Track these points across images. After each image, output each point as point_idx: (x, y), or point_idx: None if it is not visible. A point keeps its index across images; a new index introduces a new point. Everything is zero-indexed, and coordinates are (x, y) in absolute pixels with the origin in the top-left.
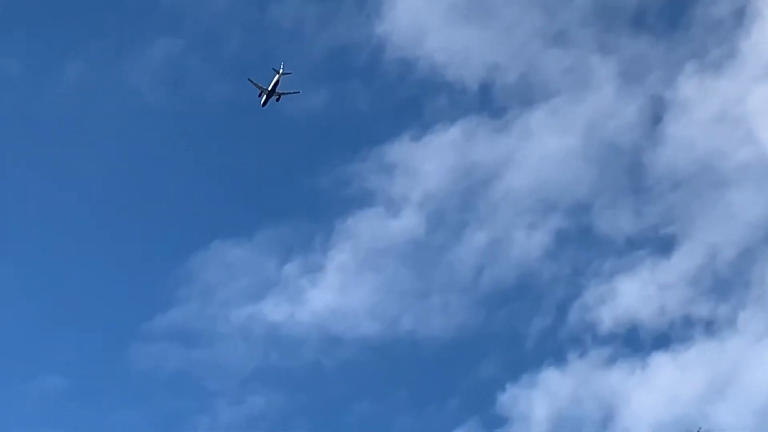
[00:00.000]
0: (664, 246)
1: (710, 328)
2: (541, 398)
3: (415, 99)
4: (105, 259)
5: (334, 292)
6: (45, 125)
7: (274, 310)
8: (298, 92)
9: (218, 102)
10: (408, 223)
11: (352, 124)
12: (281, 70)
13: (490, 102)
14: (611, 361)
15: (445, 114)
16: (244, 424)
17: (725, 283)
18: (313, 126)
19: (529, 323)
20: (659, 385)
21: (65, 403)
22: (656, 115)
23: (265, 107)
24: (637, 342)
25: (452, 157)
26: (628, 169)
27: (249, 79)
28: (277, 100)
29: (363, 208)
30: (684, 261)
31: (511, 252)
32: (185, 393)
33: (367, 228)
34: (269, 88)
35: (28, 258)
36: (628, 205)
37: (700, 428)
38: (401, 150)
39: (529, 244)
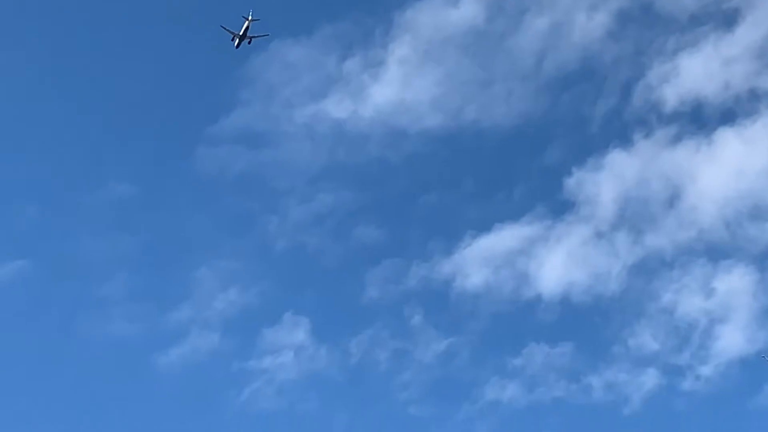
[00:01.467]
0: (727, 20)
1: None
2: (607, 181)
3: None
4: (167, 65)
5: (396, 85)
6: None
7: (337, 107)
8: (268, 35)
9: None
10: (467, 12)
11: None
12: (250, 17)
13: None
14: (676, 139)
15: None
16: (313, 222)
17: None
18: None
19: (593, 106)
20: (725, 161)
21: (134, 209)
22: None
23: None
24: (702, 119)
25: None
26: None
27: (222, 26)
28: (249, 43)
29: None
30: (748, 34)
31: (573, 35)
32: (253, 194)
33: (427, 19)
34: (240, 33)
35: (94, 69)
36: None
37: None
38: None
39: (590, 26)
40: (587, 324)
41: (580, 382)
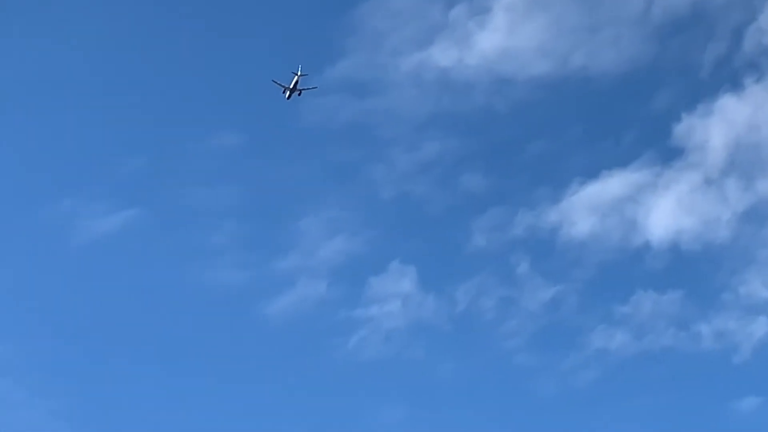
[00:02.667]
0: None
1: None
2: (717, 126)
3: None
4: (273, 14)
5: (502, 33)
6: None
7: (442, 55)
8: (316, 87)
9: None
10: None
11: None
12: (299, 73)
13: None
14: None
15: None
16: (420, 170)
17: None
18: None
19: (702, 51)
20: None
21: (241, 159)
22: None
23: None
24: None
25: None
26: None
27: (273, 80)
28: (299, 95)
29: None
30: None
31: None
32: (359, 143)
33: None
34: (291, 86)
35: (199, 20)
36: None
37: None
38: None
39: None
40: (696, 271)
41: (689, 330)
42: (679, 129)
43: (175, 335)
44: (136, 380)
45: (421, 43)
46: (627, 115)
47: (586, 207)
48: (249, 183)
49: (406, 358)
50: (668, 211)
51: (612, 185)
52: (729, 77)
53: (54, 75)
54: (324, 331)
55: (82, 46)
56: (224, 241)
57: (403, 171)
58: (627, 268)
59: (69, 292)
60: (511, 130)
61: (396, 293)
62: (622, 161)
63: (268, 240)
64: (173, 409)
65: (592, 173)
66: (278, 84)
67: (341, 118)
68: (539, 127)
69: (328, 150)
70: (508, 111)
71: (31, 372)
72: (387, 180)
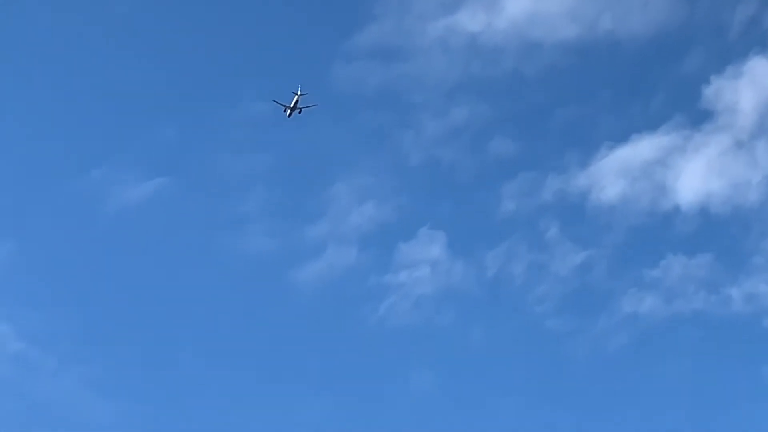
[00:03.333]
0: None
1: None
2: (747, 89)
3: None
4: None
5: None
6: None
7: (471, 20)
8: (316, 105)
9: None
10: None
11: None
12: (299, 92)
13: None
14: None
15: None
16: (449, 136)
17: None
18: None
19: (732, 13)
20: None
21: (271, 126)
22: None
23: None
24: None
25: None
26: None
27: (274, 101)
28: (299, 113)
29: None
30: None
31: None
32: (388, 108)
33: None
34: (291, 105)
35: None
36: None
37: None
38: None
39: None
40: (726, 235)
41: (719, 293)
42: (709, 92)
43: (205, 303)
44: (166, 348)
45: (449, 8)
46: (656, 78)
47: (616, 171)
48: (279, 150)
49: (435, 324)
50: (698, 174)
51: (641, 149)
52: (758, 39)
53: (84, 44)
54: (354, 298)
55: (112, 14)
56: (254, 208)
57: (433, 136)
58: (657, 232)
59: (100, 261)
60: (540, 95)
61: (425, 259)
62: (651, 125)
63: (298, 207)
64: (203, 376)
65: (621, 137)
66: (279, 104)
67: (370, 84)
68: (568, 91)
69: (357, 116)
70: (537, 76)
71: (61, 341)
72: (416, 146)
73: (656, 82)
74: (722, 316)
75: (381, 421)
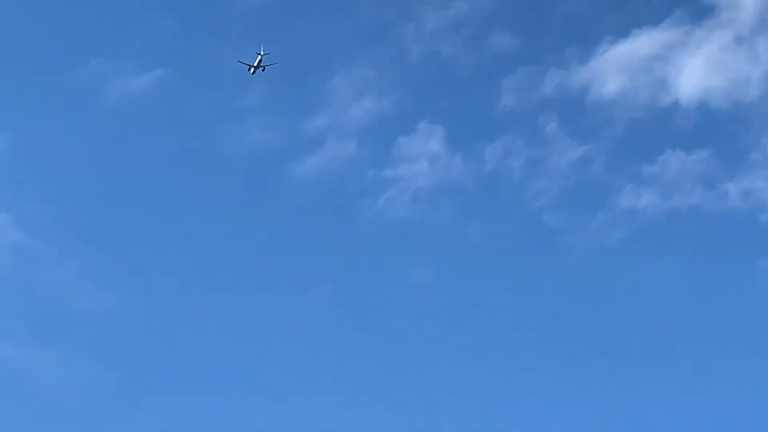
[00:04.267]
0: None
1: None
2: None
3: None
4: None
5: None
6: None
7: None
8: (278, 62)
9: None
10: None
11: None
12: (262, 52)
13: None
14: None
15: None
16: (449, 30)
17: None
18: None
19: None
20: None
21: (270, 19)
22: None
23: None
24: None
25: None
26: None
27: (238, 61)
28: (263, 70)
29: None
30: None
31: None
32: (388, 1)
33: None
34: (255, 65)
35: None
36: None
37: None
38: None
39: None
40: (725, 131)
41: (716, 189)
42: None
43: (204, 195)
44: (164, 239)
45: None
46: None
47: (616, 66)
48: (279, 43)
49: (433, 218)
50: (698, 69)
51: (642, 44)
52: None
53: None
54: (352, 191)
55: None
56: (254, 101)
57: (433, 30)
58: (656, 128)
59: (99, 152)
60: None
61: (424, 153)
62: (652, 20)
63: (297, 100)
64: (201, 267)
65: (622, 32)
66: (243, 63)
67: None
68: None
69: (358, 9)
70: None
71: (60, 232)
72: (416, 39)
73: None
74: (719, 212)
75: (378, 313)
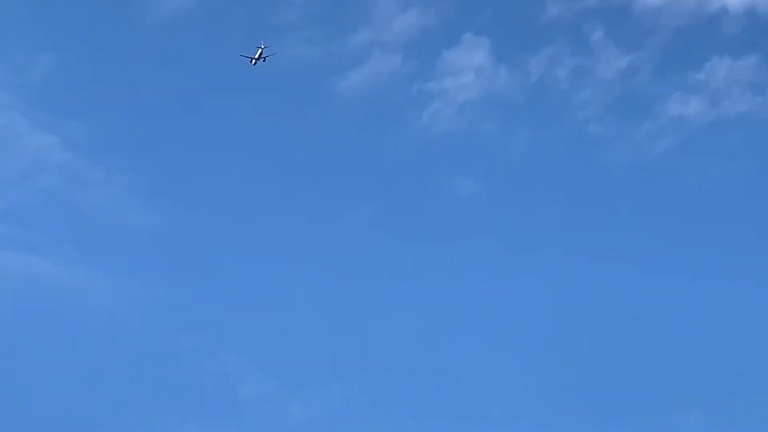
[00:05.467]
0: None
1: None
2: None
3: None
4: None
5: None
6: None
7: None
8: (276, 53)
9: None
10: None
11: None
12: (262, 46)
13: None
14: None
15: None
16: None
17: None
18: None
19: None
20: None
21: None
22: None
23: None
24: None
25: None
26: None
27: (241, 55)
28: (264, 61)
29: None
30: None
31: None
32: None
33: None
34: (256, 57)
35: None
36: None
37: None
38: None
39: None
40: None
41: (765, 95)
42: None
43: (247, 110)
44: (209, 156)
45: None
46: None
47: None
48: None
49: (478, 130)
50: None
51: None
52: None
53: None
54: (397, 105)
55: None
56: (296, 16)
57: None
58: (702, 34)
59: (142, 71)
60: None
61: (469, 65)
62: None
63: (340, 14)
64: (246, 185)
65: None
66: (245, 56)
67: None
68: None
69: None
70: None
71: (106, 152)
72: None
73: None
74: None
75: (424, 227)
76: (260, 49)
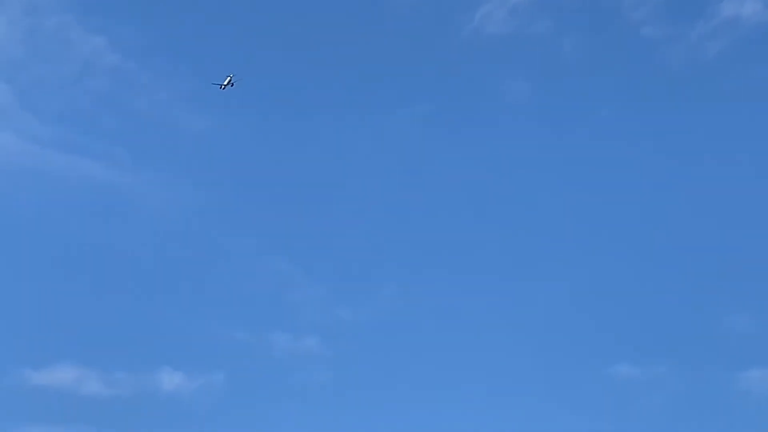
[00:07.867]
0: None
1: None
2: None
3: None
4: None
5: None
6: None
7: None
8: (242, 78)
9: None
10: None
11: None
12: (231, 75)
13: None
14: None
15: None
16: None
17: None
18: None
19: None
20: None
21: None
22: None
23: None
24: None
25: None
26: None
27: (212, 83)
28: (232, 86)
29: None
30: None
31: None
32: None
33: None
34: (225, 83)
35: None
36: None
37: None
38: None
39: None
40: None
41: None
42: None
43: (300, 18)
44: (260, 55)
45: None
46: None
47: None
48: None
49: (530, 32)
50: None
51: None
52: None
53: None
54: (449, 6)
55: None
56: None
57: None
58: None
59: None
60: None
61: None
62: None
63: None
64: (301, 85)
65: None
66: (215, 84)
67: None
68: None
69: None
70: None
71: (156, 55)
72: None
73: None
74: None
75: (475, 129)
76: (229, 78)
